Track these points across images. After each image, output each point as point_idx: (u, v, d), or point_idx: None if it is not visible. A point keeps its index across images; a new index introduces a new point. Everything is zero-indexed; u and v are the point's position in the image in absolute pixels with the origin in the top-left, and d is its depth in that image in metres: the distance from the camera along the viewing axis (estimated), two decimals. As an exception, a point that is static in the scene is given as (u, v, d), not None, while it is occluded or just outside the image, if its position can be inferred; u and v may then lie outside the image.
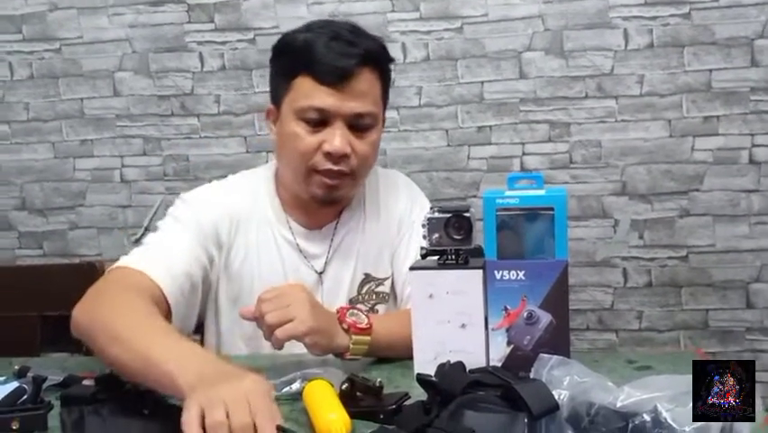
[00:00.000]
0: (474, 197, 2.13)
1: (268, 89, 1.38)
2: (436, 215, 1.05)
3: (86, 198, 2.32)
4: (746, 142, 2.06)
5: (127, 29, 2.24)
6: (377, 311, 1.36)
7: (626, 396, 0.76)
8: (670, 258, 2.11)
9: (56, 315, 1.19)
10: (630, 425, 0.75)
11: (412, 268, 1.06)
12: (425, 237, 1.05)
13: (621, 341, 2.15)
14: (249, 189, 1.36)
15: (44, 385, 1.00)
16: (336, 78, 1.22)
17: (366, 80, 1.25)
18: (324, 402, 0.91)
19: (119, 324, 1.00)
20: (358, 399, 0.94)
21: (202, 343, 1.37)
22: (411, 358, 1.06)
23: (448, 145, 2.16)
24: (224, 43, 2.20)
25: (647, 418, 0.74)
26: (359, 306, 1.31)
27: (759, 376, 2.07)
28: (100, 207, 2.32)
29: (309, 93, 1.24)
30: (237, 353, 1.32)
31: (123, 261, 1.19)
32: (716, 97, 2.05)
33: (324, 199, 1.29)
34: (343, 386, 0.95)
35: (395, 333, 1.16)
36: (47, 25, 2.27)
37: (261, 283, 1.28)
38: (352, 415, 0.89)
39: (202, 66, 2.22)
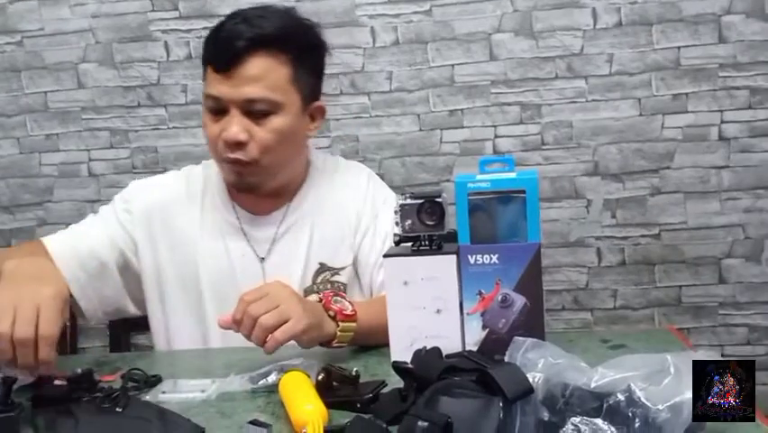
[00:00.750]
0: (448, 181, 2.13)
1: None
2: (408, 201, 1.04)
3: (53, 193, 2.28)
4: (716, 118, 2.08)
5: (90, 19, 2.19)
6: None
7: (599, 376, 0.76)
8: (642, 236, 2.13)
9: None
10: (605, 405, 0.75)
11: (386, 255, 1.05)
12: (397, 224, 1.05)
13: (597, 320, 2.17)
14: (200, 177, 1.38)
15: (15, 386, 0.98)
16: (225, 64, 1.21)
17: (260, 64, 1.21)
18: (301, 393, 0.91)
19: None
20: (334, 389, 0.94)
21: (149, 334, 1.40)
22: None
23: (420, 130, 2.15)
24: (189, 31, 2.17)
25: (621, 397, 0.74)
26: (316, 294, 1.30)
27: (734, 350, 2.12)
28: (69, 203, 2.28)
29: (209, 81, 1.24)
30: (188, 337, 1.33)
31: (48, 241, 1.30)
32: (684, 75, 2.06)
33: (236, 186, 1.30)
34: (320, 376, 0.94)
35: (377, 319, 1.14)
36: (7, 18, 2.22)
37: (206, 268, 1.31)
38: (329, 405, 0.88)
39: (168, 55, 2.19)
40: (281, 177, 1.31)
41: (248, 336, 1.04)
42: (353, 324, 1.12)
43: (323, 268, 1.33)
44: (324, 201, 1.36)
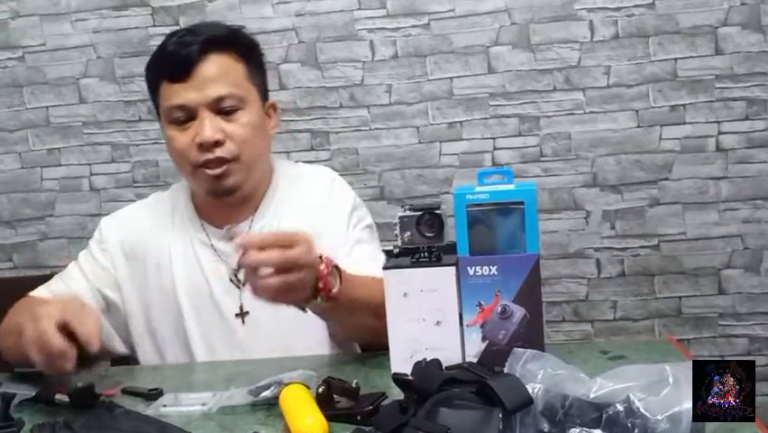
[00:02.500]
0: (447, 193, 2.13)
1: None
2: (408, 213, 1.05)
3: (55, 207, 2.29)
4: (713, 129, 2.08)
5: (91, 34, 2.21)
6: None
7: (598, 387, 0.77)
8: (642, 247, 2.14)
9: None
10: (604, 415, 0.75)
11: (386, 267, 1.06)
12: (396, 236, 1.05)
13: (597, 331, 2.17)
14: (167, 202, 1.39)
15: (14, 401, 0.99)
16: (183, 71, 1.23)
17: (217, 64, 1.25)
18: (301, 406, 0.91)
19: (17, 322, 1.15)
20: (335, 401, 0.94)
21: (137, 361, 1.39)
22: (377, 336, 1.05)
23: (419, 142, 2.16)
24: (190, 47, 2.18)
25: (620, 408, 0.74)
26: None
27: (732, 360, 2.11)
28: (70, 217, 2.29)
29: (169, 95, 1.26)
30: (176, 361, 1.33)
31: (32, 293, 1.32)
32: (682, 86, 2.07)
33: (217, 191, 1.28)
34: (320, 389, 0.94)
35: (364, 299, 1.13)
36: (9, 33, 2.23)
37: (184, 289, 1.31)
38: (329, 418, 0.89)
39: (169, 70, 2.20)
40: (255, 177, 1.31)
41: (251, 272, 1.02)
42: (326, 304, 1.08)
43: None
44: (287, 206, 1.35)
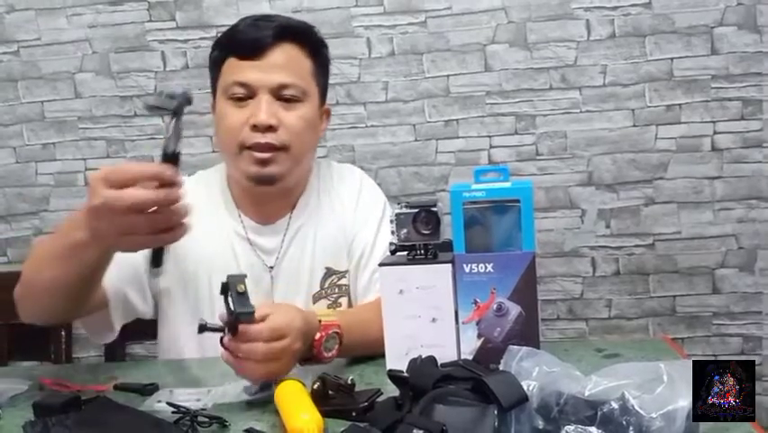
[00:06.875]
0: (443, 191, 2.14)
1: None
2: (404, 210, 1.05)
3: (49, 202, 2.28)
4: (708, 129, 2.09)
5: (86, 29, 2.20)
6: (340, 304, 1.35)
7: (593, 385, 0.77)
8: (637, 246, 2.14)
9: (23, 323, 1.16)
10: (599, 413, 0.75)
11: (381, 264, 1.06)
12: (393, 233, 1.05)
13: (591, 330, 2.18)
14: (202, 184, 1.37)
15: (6, 396, 0.99)
16: (253, 51, 1.25)
17: (286, 53, 1.27)
18: (297, 403, 0.91)
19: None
20: (330, 397, 0.94)
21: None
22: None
23: (416, 140, 2.16)
24: (186, 41, 2.17)
25: (615, 405, 0.75)
26: (324, 308, 1.30)
27: (726, 359, 2.12)
28: (65, 212, 2.27)
29: (233, 70, 1.27)
30: (190, 347, 1.30)
31: None
32: (677, 86, 2.08)
33: (258, 177, 1.26)
34: (315, 385, 0.94)
35: (361, 340, 1.13)
36: (4, 27, 2.22)
37: (217, 277, 1.25)
38: (325, 414, 0.89)
39: (164, 65, 2.19)
40: (298, 172, 1.31)
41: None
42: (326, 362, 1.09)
43: (329, 272, 1.34)
44: (323, 206, 1.37)
